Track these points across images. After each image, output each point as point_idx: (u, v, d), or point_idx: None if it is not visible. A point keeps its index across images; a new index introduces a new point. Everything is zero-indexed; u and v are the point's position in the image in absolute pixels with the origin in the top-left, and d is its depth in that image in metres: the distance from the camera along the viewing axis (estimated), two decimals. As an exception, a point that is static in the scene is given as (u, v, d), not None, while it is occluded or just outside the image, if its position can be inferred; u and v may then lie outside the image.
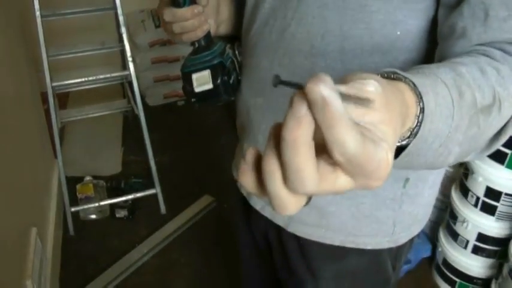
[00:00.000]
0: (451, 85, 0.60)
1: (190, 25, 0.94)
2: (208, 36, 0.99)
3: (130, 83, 2.75)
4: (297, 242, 1.09)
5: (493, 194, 2.07)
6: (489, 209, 2.10)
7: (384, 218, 1.02)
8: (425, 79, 0.58)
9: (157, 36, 3.52)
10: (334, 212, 1.01)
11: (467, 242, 2.22)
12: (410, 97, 0.55)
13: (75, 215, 2.76)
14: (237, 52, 1.06)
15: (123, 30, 2.60)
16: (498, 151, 1.97)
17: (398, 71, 0.57)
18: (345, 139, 0.40)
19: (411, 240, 1.10)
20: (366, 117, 0.45)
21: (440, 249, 2.37)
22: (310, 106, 0.41)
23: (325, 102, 0.40)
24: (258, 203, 1.12)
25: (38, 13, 2.44)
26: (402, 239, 1.07)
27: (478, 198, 2.11)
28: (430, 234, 2.58)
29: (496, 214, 2.09)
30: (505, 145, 1.96)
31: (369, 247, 1.04)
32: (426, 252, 2.53)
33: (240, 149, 1.17)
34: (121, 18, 2.58)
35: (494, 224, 2.12)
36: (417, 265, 2.50)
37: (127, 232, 2.76)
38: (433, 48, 0.82)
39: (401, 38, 0.83)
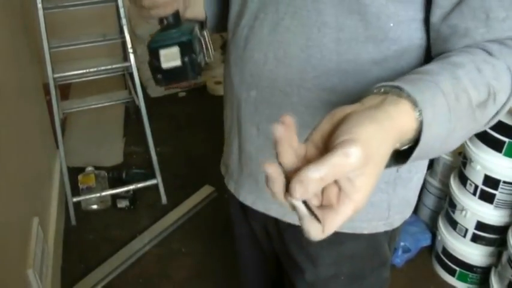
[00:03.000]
0: (448, 92, 0.68)
1: (161, 0, 0.95)
2: (176, 14, 0.98)
3: (132, 74, 2.76)
4: (294, 231, 1.09)
5: (491, 182, 2.07)
6: (488, 197, 2.11)
7: (378, 201, 1.03)
8: (425, 93, 0.66)
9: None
10: None
11: (467, 230, 2.23)
12: (407, 116, 0.64)
13: (77, 205, 2.79)
14: (205, 32, 1.05)
15: (124, 22, 2.61)
16: (496, 139, 1.98)
17: (402, 86, 0.65)
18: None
19: (403, 223, 1.12)
20: (350, 174, 0.57)
21: (439, 238, 2.38)
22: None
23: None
24: (248, 198, 1.13)
25: (40, 5, 2.45)
26: (396, 221, 1.09)
27: (476, 187, 2.12)
28: (430, 223, 2.59)
29: (495, 202, 2.10)
30: (502, 133, 1.97)
31: (365, 231, 1.05)
32: (426, 241, 2.54)
33: (228, 144, 1.16)
34: (122, 10, 2.59)
35: (493, 212, 2.13)
36: (417, 254, 2.51)
37: (128, 222, 2.78)
38: (422, 36, 0.88)
39: (393, 29, 0.86)
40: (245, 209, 1.19)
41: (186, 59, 0.96)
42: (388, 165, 0.70)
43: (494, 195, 2.09)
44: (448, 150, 0.77)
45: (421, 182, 1.11)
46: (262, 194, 1.09)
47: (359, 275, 1.13)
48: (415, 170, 1.05)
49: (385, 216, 1.05)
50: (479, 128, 0.79)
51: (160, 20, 0.99)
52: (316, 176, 0.54)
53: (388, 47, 0.88)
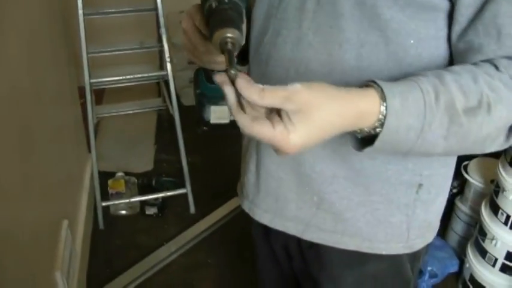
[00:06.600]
0: (427, 91, 0.75)
1: (220, 64, 0.93)
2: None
3: (167, 83, 2.79)
4: (316, 251, 1.10)
5: (524, 213, 2.04)
6: (520, 228, 2.08)
7: (397, 223, 1.03)
8: (398, 86, 0.76)
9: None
10: (350, 218, 1.03)
11: (496, 259, 2.20)
12: (370, 99, 0.74)
13: (106, 209, 2.82)
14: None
15: (163, 31, 2.64)
16: (532, 170, 1.95)
17: (377, 80, 0.75)
18: (238, 120, 0.71)
19: (427, 246, 1.12)
20: (285, 105, 0.70)
21: (467, 265, 2.34)
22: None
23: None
24: (264, 217, 1.12)
25: (80, 11, 2.49)
26: (417, 244, 1.08)
27: (508, 216, 2.09)
28: (458, 250, 2.56)
29: (527, 234, 2.07)
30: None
31: (384, 252, 1.05)
32: (453, 268, 2.51)
33: (245, 162, 1.14)
34: (161, 19, 2.62)
35: (524, 243, 2.10)
36: (443, 280, 2.48)
37: (156, 230, 2.80)
38: (445, 54, 0.89)
39: (414, 45, 0.87)
40: (267, 229, 1.18)
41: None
42: (357, 148, 0.81)
43: (526, 226, 2.05)
44: (432, 150, 0.80)
45: (443, 205, 1.11)
46: (280, 212, 1.09)
47: None
48: (435, 192, 1.04)
49: (404, 238, 1.05)
50: (481, 139, 0.80)
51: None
52: (257, 87, 0.70)
53: (410, 64, 0.89)
